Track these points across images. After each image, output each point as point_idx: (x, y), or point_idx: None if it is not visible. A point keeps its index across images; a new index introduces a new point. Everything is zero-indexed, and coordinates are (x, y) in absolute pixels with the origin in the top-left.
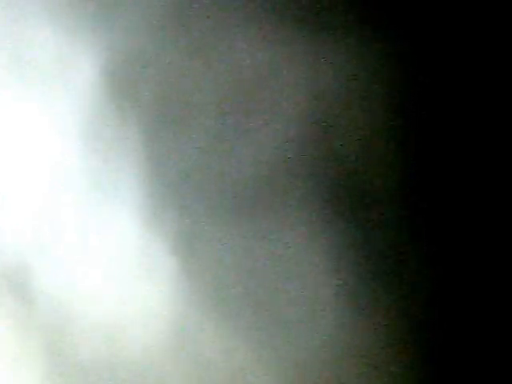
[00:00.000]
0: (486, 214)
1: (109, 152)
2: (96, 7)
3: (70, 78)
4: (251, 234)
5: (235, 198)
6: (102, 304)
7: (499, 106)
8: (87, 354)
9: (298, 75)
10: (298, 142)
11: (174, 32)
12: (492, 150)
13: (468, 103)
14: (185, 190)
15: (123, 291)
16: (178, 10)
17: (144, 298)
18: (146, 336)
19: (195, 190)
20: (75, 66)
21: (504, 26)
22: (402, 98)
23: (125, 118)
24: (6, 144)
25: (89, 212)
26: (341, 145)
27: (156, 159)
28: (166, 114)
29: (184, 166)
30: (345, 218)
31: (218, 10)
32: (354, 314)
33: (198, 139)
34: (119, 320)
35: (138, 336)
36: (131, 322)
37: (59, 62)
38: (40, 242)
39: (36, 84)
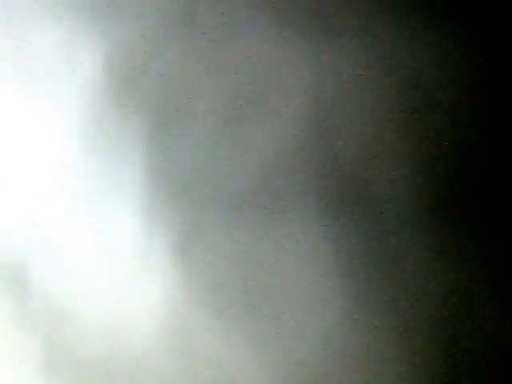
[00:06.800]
0: (490, 214)
1: (110, 149)
2: (99, 1)
3: (72, 74)
4: (253, 234)
5: (237, 197)
6: (101, 302)
7: (507, 108)
8: (85, 352)
9: (304, 74)
10: (302, 141)
11: (179, 27)
12: (498, 155)
13: (474, 103)
14: (186, 189)
15: (123, 290)
16: (183, 6)
17: (144, 297)
18: (145, 335)
19: (197, 188)
20: (77, 62)
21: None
22: (407, 98)
23: (127, 114)
24: (6, 141)
25: (88, 211)
26: (346, 144)
27: (158, 157)
28: (169, 111)
29: (186, 164)
30: (348, 217)
31: (224, 7)
32: (356, 315)
33: (201, 137)
34: (118, 319)
35: (137, 335)
36: (130, 320)
37: (61, 58)
38: (39, 240)
39: (36, 80)
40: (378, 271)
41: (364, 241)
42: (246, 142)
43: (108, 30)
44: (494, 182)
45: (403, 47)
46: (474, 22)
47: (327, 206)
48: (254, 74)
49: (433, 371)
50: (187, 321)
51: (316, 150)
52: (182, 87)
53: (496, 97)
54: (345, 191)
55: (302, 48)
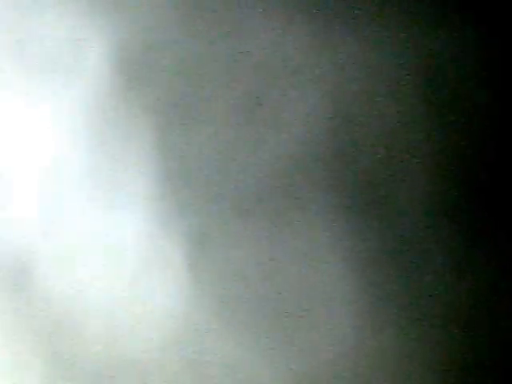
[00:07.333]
0: (508, 217)
1: (117, 147)
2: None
3: (77, 67)
4: (264, 235)
5: (249, 197)
6: (105, 306)
7: None
8: (87, 354)
9: (320, 67)
10: (317, 139)
11: (188, 20)
12: None
13: (495, 98)
14: (195, 188)
15: (126, 293)
16: (192, 1)
17: (150, 299)
18: (150, 337)
19: (207, 187)
20: (83, 55)
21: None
22: (428, 95)
23: (134, 110)
24: (8, 141)
25: (94, 210)
26: (362, 146)
27: (166, 155)
28: (178, 107)
29: (196, 162)
30: (365, 219)
31: (232, 1)
32: (371, 319)
33: (212, 135)
34: (122, 320)
35: (142, 337)
36: (135, 322)
37: (64, 57)
38: (42, 240)
39: (41, 74)
40: (395, 274)
41: (381, 243)
42: (258, 143)
43: (114, 29)
44: None
45: (423, 38)
46: (492, 14)
47: (342, 209)
48: (265, 71)
49: (452, 373)
50: (196, 324)
51: (331, 152)
52: (191, 86)
53: None
54: (361, 195)
55: (318, 43)
